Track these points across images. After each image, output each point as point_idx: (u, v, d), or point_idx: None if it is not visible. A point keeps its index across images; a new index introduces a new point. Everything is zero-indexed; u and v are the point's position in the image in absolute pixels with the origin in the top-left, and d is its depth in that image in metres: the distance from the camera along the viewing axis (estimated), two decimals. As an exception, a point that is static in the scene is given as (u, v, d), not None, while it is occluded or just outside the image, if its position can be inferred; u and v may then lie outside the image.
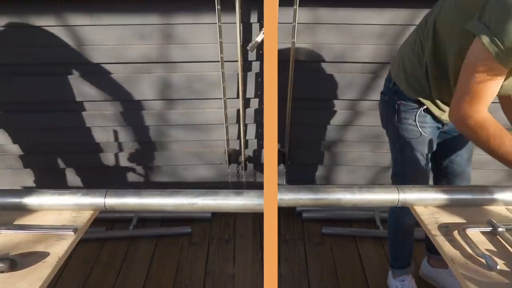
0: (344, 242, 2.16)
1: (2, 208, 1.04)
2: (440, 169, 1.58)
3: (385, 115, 1.49)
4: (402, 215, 1.62)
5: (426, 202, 1.04)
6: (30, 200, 1.02)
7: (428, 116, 1.36)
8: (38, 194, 1.03)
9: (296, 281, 1.93)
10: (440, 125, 1.41)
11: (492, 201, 1.04)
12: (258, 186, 2.35)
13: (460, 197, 1.04)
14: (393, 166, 1.57)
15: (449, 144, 1.50)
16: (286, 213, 2.37)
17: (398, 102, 1.38)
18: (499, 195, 1.03)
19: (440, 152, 1.52)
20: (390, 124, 1.46)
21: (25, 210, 1.03)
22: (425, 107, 1.34)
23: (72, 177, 2.30)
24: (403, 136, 1.43)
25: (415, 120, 1.37)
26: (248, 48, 1.78)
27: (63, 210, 1.03)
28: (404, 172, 1.51)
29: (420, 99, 1.33)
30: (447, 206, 1.05)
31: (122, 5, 1.78)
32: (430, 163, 1.50)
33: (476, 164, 2.20)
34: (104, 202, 1.01)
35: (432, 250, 1.81)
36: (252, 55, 1.88)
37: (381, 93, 1.50)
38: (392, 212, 1.69)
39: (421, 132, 1.39)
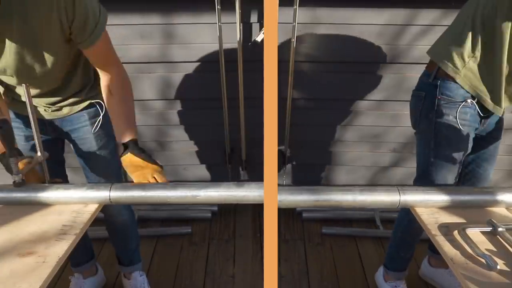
0: (344, 242, 2.16)
1: (8, 202, 1.05)
2: (464, 172, 1.53)
3: (419, 112, 1.42)
4: (413, 218, 1.57)
5: (427, 203, 1.04)
6: (36, 194, 1.03)
7: (469, 113, 1.33)
8: (44, 188, 1.04)
9: (296, 281, 1.93)
10: (477, 125, 1.37)
11: (493, 203, 1.04)
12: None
13: (461, 198, 1.04)
14: (422, 167, 1.48)
15: (480, 147, 1.46)
16: (286, 213, 2.37)
17: (439, 97, 1.34)
18: (500, 197, 1.03)
19: (468, 155, 1.47)
20: (425, 121, 1.41)
21: (31, 204, 1.04)
22: (469, 100, 1.30)
23: (72, 177, 2.29)
24: (441, 133, 1.37)
25: (456, 117, 1.33)
26: (255, 39, 1.80)
27: (69, 203, 1.05)
28: (437, 171, 1.43)
29: (468, 87, 1.29)
30: (448, 207, 1.05)
31: (122, 5, 1.78)
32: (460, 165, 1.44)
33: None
34: (109, 195, 1.03)
35: (434, 249, 1.79)
36: (252, 55, 1.88)
37: (415, 90, 1.46)
38: (406, 213, 1.59)
39: (461, 129, 1.33)
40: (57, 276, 1.88)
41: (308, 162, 2.31)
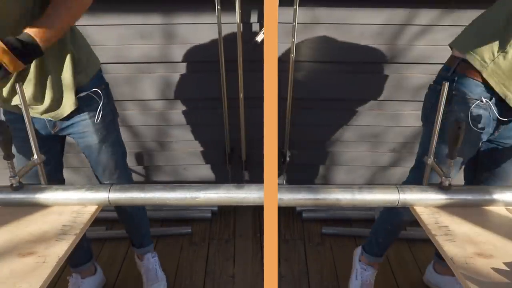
0: (344, 242, 2.16)
1: (6, 203, 1.05)
2: (480, 180, 1.48)
3: (431, 104, 1.35)
4: (400, 211, 1.53)
5: (426, 202, 1.04)
6: (34, 196, 1.03)
7: (482, 114, 1.25)
8: (43, 189, 1.04)
9: (296, 281, 1.93)
10: (490, 129, 1.30)
11: (492, 202, 1.04)
12: (258, 186, 2.34)
13: (460, 197, 1.04)
14: (421, 158, 1.42)
15: (495, 155, 1.39)
16: (286, 213, 2.37)
17: (453, 92, 1.27)
18: (499, 196, 1.03)
19: (482, 163, 1.43)
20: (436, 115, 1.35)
21: (29, 205, 1.04)
22: (484, 100, 1.22)
23: (72, 177, 2.30)
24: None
25: (468, 115, 1.24)
26: (256, 39, 1.79)
27: (68, 205, 1.04)
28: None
29: (494, 84, 1.20)
30: (447, 206, 1.05)
31: (123, 5, 1.78)
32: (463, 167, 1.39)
33: (476, 164, 2.20)
34: (108, 197, 1.02)
35: (441, 256, 1.73)
36: (252, 55, 1.88)
37: (433, 83, 1.39)
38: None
39: (471, 129, 1.25)
40: (57, 276, 1.88)
41: (308, 162, 2.31)
